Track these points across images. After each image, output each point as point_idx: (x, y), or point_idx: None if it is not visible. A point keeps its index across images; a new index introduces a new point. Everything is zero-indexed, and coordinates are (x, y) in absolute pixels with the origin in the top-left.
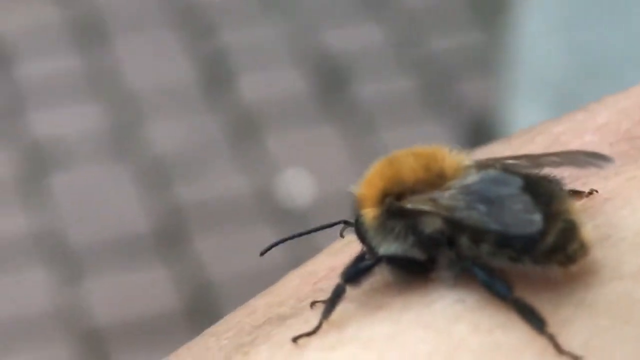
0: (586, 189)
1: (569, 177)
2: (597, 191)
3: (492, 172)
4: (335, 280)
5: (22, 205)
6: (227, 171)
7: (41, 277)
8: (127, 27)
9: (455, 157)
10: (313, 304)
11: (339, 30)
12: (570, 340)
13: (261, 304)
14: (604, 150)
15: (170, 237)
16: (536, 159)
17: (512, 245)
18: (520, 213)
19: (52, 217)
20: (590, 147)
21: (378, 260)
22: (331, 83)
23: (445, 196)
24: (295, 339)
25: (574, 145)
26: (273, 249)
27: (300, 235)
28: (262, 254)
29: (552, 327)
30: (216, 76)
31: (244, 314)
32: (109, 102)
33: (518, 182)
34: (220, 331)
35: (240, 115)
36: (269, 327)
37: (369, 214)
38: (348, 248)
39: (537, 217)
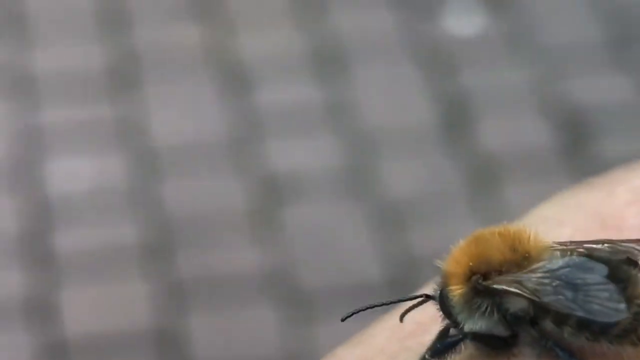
0: None
1: None
2: None
3: (576, 258)
4: (422, 337)
5: (253, 238)
6: (462, 219)
7: (271, 316)
8: (366, 59)
9: (539, 239)
10: None
11: (586, 79)
12: None
13: (349, 357)
14: None
15: (401, 285)
16: (618, 246)
17: (591, 328)
18: (606, 301)
19: (283, 253)
20: None
21: (464, 336)
22: (575, 136)
23: (532, 279)
24: None
25: None
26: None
27: (382, 305)
28: (343, 319)
29: None
30: (456, 118)
31: None
32: (345, 136)
33: (603, 270)
34: None
35: (479, 162)
36: None
37: (456, 290)
38: (429, 305)
39: (622, 307)
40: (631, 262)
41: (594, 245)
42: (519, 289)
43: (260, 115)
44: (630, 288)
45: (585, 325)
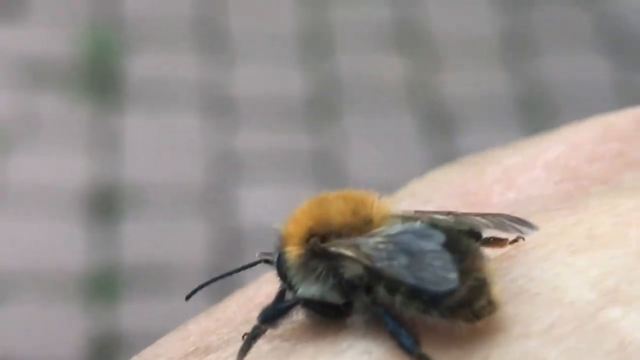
0: (511, 237)
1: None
2: (523, 239)
3: (416, 225)
4: None
5: None
6: None
7: None
8: (579, 106)
9: (383, 205)
10: (244, 336)
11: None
12: None
13: (196, 329)
14: (549, 188)
15: None
16: (461, 218)
17: (422, 298)
18: (438, 270)
19: None
20: (537, 184)
21: (295, 302)
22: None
23: (369, 244)
24: None
25: (522, 179)
26: None
27: (222, 277)
28: (187, 298)
29: None
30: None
31: (178, 338)
32: None
33: (440, 237)
34: (158, 353)
35: None
36: (192, 358)
37: (293, 252)
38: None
39: (454, 276)
40: (474, 234)
41: (439, 216)
42: (353, 253)
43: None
44: (468, 260)
45: (416, 295)
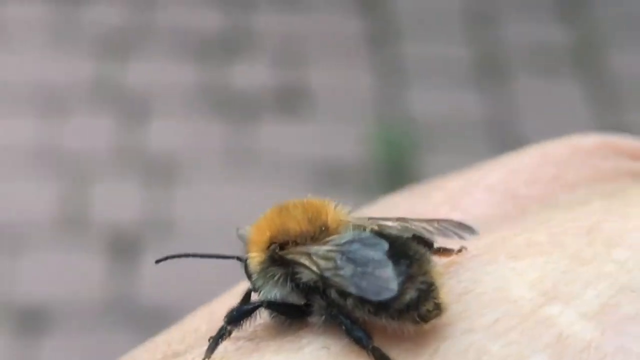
0: (457, 247)
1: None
2: (466, 249)
3: (363, 234)
4: None
5: None
6: None
7: None
8: None
9: (338, 213)
10: (209, 339)
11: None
12: None
13: (163, 340)
14: (490, 209)
15: None
16: (409, 223)
17: (371, 302)
18: (379, 280)
19: None
20: (478, 206)
21: (259, 304)
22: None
23: (320, 252)
24: None
25: (465, 202)
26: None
27: (195, 256)
28: (157, 262)
29: None
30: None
31: (145, 350)
32: None
33: (384, 246)
34: None
35: None
36: None
37: (255, 258)
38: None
39: (393, 285)
40: (421, 240)
41: (388, 223)
42: (306, 262)
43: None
44: (415, 266)
45: (364, 300)
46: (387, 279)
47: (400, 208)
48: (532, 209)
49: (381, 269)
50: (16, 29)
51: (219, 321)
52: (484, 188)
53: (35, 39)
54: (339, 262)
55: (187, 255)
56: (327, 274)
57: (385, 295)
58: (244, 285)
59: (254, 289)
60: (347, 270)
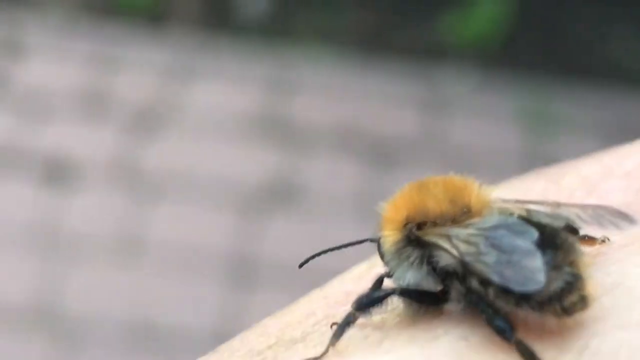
0: (600, 236)
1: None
2: (609, 239)
3: (511, 219)
4: (348, 305)
5: None
6: None
7: None
8: None
9: (483, 194)
10: (332, 325)
11: None
12: None
13: (275, 325)
14: (630, 196)
15: None
16: (559, 208)
17: (513, 293)
18: (525, 270)
19: None
20: (616, 193)
21: (391, 292)
22: None
23: (461, 235)
24: None
25: (602, 187)
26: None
27: (332, 250)
28: (300, 266)
29: None
30: None
31: (258, 333)
32: None
33: (534, 234)
34: (234, 348)
35: None
36: (278, 348)
37: (389, 237)
38: (367, 274)
39: (540, 277)
40: (570, 228)
41: (537, 208)
42: (445, 244)
43: None
44: (561, 255)
45: (507, 289)
46: (533, 270)
47: (532, 192)
48: None
49: (529, 259)
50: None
51: (335, 306)
52: (623, 173)
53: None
54: (482, 247)
55: (324, 252)
56: (468, 259)
57: (532, 287)
58: (359, 269)
59: (387, 271)
60: (491, 256)
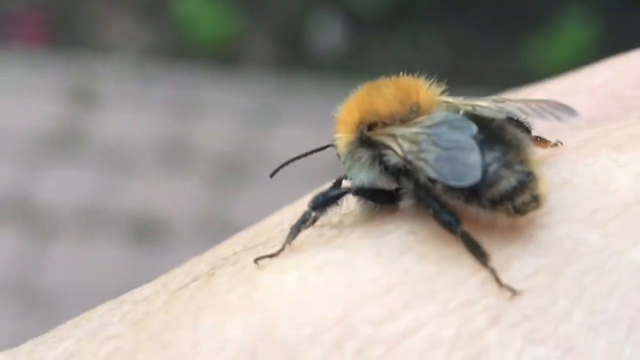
0: (553, 139)
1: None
2: (561, 143)
3: (453, 115)
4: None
5: None
6: None
7: None
8: None
9: (432, 93)
10: (292, 227)
11: None
12: (513, 275)
13: (245, 235)
14: (593, 110)
15: None
16: (505, 104)
17: (461, 190)
18: (462, 165)
19: None
20: (582, 107)
21: (346, 190)
22: None
23: (407, 134)
24: (256, 260)
25: (568, 103)
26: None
27: (299, 158)
28: (271, 175)
29: (497, 261)
30: None
31: (228, 243)
32: None
33: (472, 129)
34: (204, 258)
35: None
36: (241, 253)
37: (343, 139)
38: None
39: (477, 173)
40: (519, 124)
41: (483, 103)
42: (391, 143)
43: None
44: (512, 152)
45: (453, 187)
46: (470, 164)
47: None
48: (637, 112)
49: (466, 154)
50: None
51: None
52: (588, 90)
53: None
54: (423, 145)
55: (291, 160)
56: (410, 157)
57: (466, 182)
58: (328, 184)
59: (345, 172)
60: (431, 154)
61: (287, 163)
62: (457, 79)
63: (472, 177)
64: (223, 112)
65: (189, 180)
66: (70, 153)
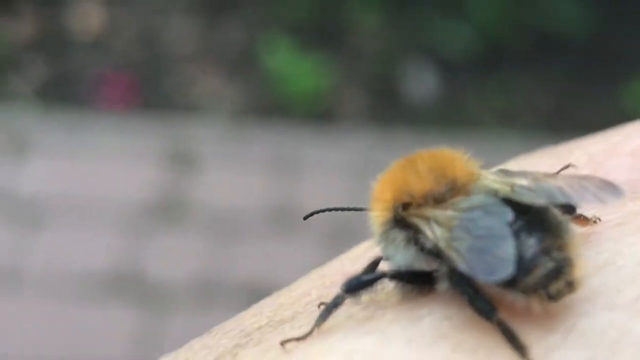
0: (591, 216)
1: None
2: (600, 219)
3: (488, 199)
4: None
5: None
6: None
7: None
8: None
9: (469, 168)
10: (320, 305)
11: None
12: None
13: (270, 305)
14: (636, 174)
15: None
16: (542, 182)
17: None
18: (495, 259)
19: None
20: (621, 170)
21: (381, 275)
22: None
23: (439, 219)
24: (283, 343)
25: (609, 164)
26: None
27: (338, 209)
28: (305, 218)
29: (537, 353)
30: None
31: (252, 312)
32: None
33: (508, 215)
34: (226, 329)
35: None
36: (266, 329)
37: (378, 218)
38: (365, 255)
39: (508, 268)
40: (566, 206)
41: (522, 182)
42: (424, 227)
43: None
44: (549, 238)
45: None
46: (502, 256)
47: (539, 169)
48: None
49: (500, 246)
50: None
51: (330, 286)
52: (627, 152)
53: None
54: (456, 232)
55: (329, 210)
56: (442, 244)
57: (497, 277)
58: (357, 250)
59: (382, 252)
60: (463, 242)
61: (323, 211)
62: (555, 124)
63: (504, 272)
64: (324, 169)
65: (302, 242)
66: (177, 220)
